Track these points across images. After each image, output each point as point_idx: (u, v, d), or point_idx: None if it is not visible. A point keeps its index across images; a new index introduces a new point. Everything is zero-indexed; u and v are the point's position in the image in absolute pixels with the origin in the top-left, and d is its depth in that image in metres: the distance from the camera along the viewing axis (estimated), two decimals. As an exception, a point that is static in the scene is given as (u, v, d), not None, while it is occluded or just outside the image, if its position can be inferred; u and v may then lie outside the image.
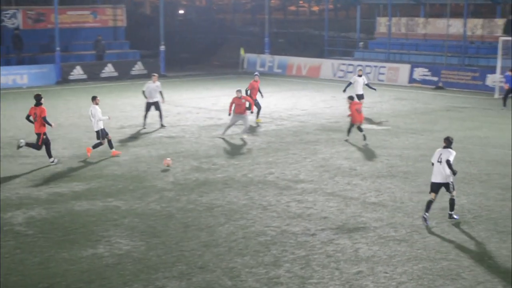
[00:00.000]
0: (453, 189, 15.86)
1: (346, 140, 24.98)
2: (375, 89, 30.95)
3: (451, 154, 15.78)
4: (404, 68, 42.70)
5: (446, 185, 15.82)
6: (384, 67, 43.87)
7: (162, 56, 46.61)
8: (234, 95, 25.66)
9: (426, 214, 15.82)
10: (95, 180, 19.77)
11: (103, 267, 13.42)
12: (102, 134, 22.25)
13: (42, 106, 21.25)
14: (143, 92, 27.46)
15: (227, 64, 53.52)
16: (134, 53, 48.72)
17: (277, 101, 35.50)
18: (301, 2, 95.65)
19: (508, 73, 32.05)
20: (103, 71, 44.02)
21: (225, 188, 18.92)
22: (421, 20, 47.96)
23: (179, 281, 12.78)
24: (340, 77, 45.18)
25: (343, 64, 46.08)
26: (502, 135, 26.05)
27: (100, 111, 22.24)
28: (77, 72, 42.99)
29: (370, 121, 29.16)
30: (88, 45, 46.07)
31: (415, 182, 19.49)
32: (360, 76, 30.31)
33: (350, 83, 30.31)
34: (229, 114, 25.81)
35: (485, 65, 41.08)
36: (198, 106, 33.44)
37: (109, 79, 43.67)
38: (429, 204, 15.88)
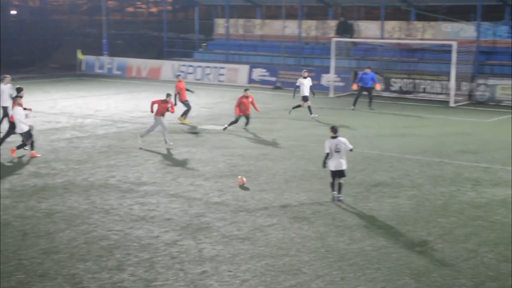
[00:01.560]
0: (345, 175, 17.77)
1: (225, 129, 27.06)
2: (313, 94, 31.02)
3: (346, 143, 17.57)
4: (243, 69, 43.37)
5: (342, 172, 17.57)
6: (223, 68, 44.36)
7: (-6, 58, 44.80)
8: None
9: (334, 192, 17.69)
10: None
11: None
12: (26, 136, 22.44)
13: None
14: None
15: (64, 66, 52.22)
16: (-37, 55, 46.50)
17: (117, 104, 35.08)
18: (139, 3, 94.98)
19: (367, 70, 32.80)
20: None
21: (65, 193, 18.44)
22: (258, 21, 48.86)
23: (18, 291, 12.34)
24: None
25: (183, 65, 46.20)
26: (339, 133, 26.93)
27: (22, 113, 22.20)
28: None
29: (214, 121, 29.41)
30: None
31: (257, 180, 19.83)
32: (305, 78, 30.39)
33: (297, 86, 30.40)
34: (152, 111, 24.85)
35: (320, 65, 42.42)
36: (35, 110, 32.31)
37: None
38: (333, 184, 17.76)
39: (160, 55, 51.53)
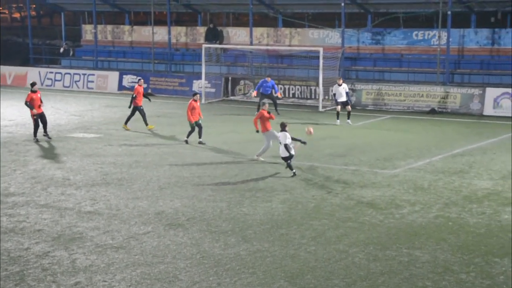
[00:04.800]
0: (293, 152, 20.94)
1: (186, 142, 26.07)
2: (351, 102, 31.48)
3: (286, 137, 20.62)
4: (113, 76, 42.79)
5: (285, 158, 20.99)
6: (93, 74, 43.61)
7: None
8: None
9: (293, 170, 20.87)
10: None
11: None
12: None
13: (30, 92, 26.47)
14: None
15: None
16: None
17: (-19, 112, 33.83)
18: (1, 8, 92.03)
19: (267, 78, 32.95)
20: None
21: None
22: (126, 27, 48.29)
23: None
24: (48, 85, 44.14)
25: (51, 72, 45.09)
26: (211, 139, 27.08)
27: None
28: None
29: (84, 129, 28.87)
30: None
31: (130, 188, 19.62)
32: (340, 85, 30.68)
33: (334, 94, 30.96)
34: (258, 130, 23.12)
35: (190, 71, 42.45)
36: None
37: None
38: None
39: (25, 62, 50.02)
